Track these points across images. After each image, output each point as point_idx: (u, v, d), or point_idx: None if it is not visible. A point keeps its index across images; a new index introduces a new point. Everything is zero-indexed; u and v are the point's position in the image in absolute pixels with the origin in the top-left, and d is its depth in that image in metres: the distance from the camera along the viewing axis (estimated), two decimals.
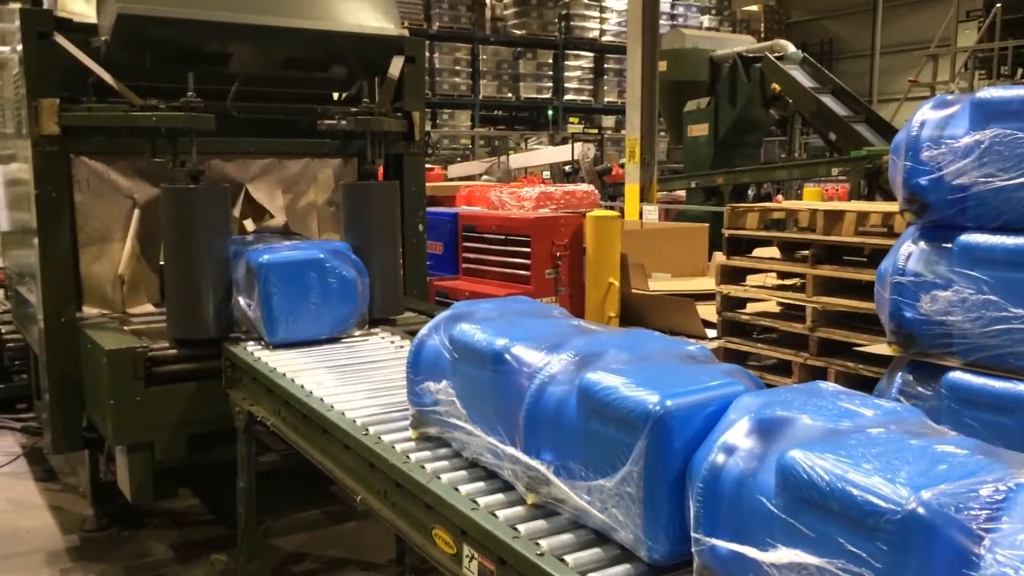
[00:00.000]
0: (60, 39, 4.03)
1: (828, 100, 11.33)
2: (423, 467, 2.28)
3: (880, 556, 1.27)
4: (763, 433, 1.56)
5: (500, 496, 2.09)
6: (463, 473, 2.25)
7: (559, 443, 1.90)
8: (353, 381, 3.18)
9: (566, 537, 1.86)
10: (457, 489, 2.14)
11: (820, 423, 1.55)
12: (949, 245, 2.50)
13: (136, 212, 4.47)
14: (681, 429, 1.65)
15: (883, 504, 1.28)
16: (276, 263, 3.67)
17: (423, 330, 2.50)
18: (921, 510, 1.25)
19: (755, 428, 1.57)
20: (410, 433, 2.51)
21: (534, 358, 2.03)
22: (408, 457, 2.36)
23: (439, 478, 2.21)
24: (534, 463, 1.95)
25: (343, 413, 2.75)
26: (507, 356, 2.09)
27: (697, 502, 1.56)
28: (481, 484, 2.17)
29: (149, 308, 4.48)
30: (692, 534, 1.57)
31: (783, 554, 1.41)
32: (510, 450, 2.04)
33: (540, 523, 1.93)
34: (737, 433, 1.58)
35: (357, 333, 3.90)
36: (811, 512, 1.37)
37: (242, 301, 3.81)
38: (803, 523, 1.38)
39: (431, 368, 2.41)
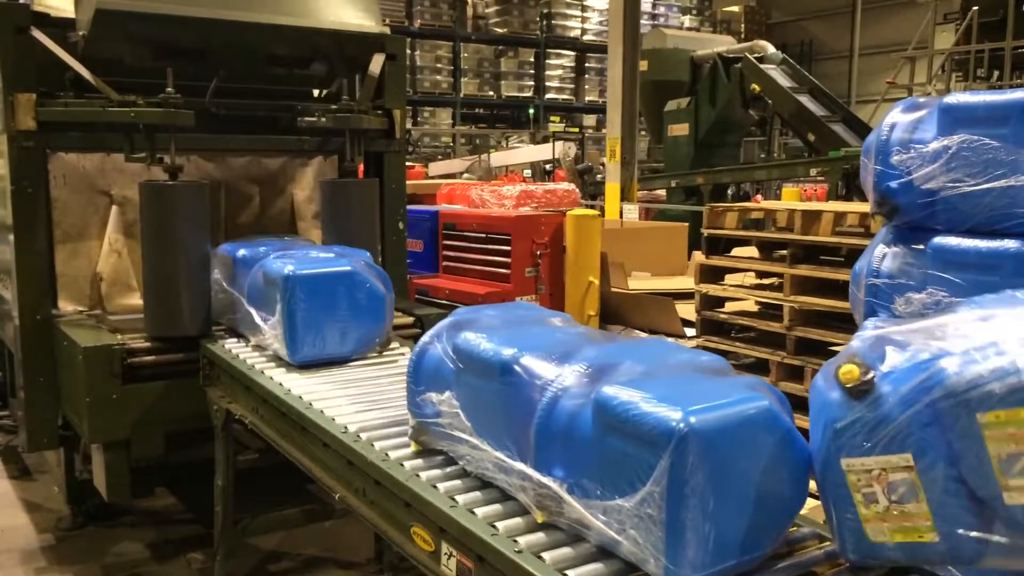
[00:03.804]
0: (37, 33, 3.99)
1: (805, 99, 11.42)
2: (402, 465, 2.29)
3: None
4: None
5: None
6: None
7: (572, 460, 1.82)
8: (340, 385, 3.07)
9: (541, 535, 1.88)
10: (435, 486, 2.14)
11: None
12: (922, 247, 2.53)
13: (114, 208, 4.44)
14: (707, 447, 1.58)
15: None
16: (303, 276, 3.32)
17: (424, 338, 2.39)
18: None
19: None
20: (407, 441, 2.42)
21: (544, 369, 1.95)
22: (387, 455, 2.36)
23: (418, 476, 2.21)
24: (546, 480, 1.87)
25: (322, 411, 2.75)
26: (516, 367, 2.00)
27: None
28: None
29: (136, 304, 4.42)
30: None
31: None
32: (519, 466, 1.95)
33: (517, 520, 1.95)
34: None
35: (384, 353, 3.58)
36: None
37: (256, 315, 3.52)
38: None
39: (433, 378, 2.30)
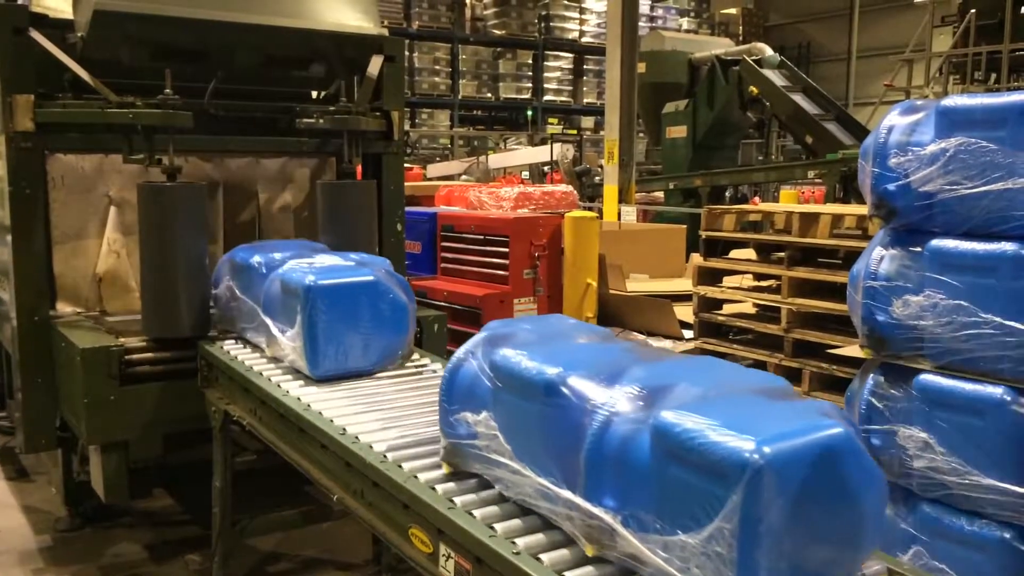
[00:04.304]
0: (35, 35, 3.99)
1: (800, 99, 11.45)
2: (400, 467, 2.29)
3: None
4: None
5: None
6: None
7: (627, 490, 1.69)
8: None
9: (540, 536, 1.88)
10: (433, 488, 2.14)
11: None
12: (919, 249, 2.53)
13: (112, 209, 4.44)
14: (783, 480, 1.46)
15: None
16: (326, 287, 3.15)
17: (458, 353, 2.27)
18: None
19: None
20: (439, 462, 2.30)
21: (593, 391, 1.82)
22: (385, 456, 2.36)
23: (416, 478, 2.21)
24: (598, 511, 1.73)
25: (320, 413, 2.75)
26: (563, 388, 1.86)
27: None
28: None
29: (135, 305, 4.40)
30: None
31: None
32: (566, 494, 1.81)
33: (515, 522, 1.95)
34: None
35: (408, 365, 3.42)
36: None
37: (273, 325, 3.35)
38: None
39: (467, 396, 2.17)
